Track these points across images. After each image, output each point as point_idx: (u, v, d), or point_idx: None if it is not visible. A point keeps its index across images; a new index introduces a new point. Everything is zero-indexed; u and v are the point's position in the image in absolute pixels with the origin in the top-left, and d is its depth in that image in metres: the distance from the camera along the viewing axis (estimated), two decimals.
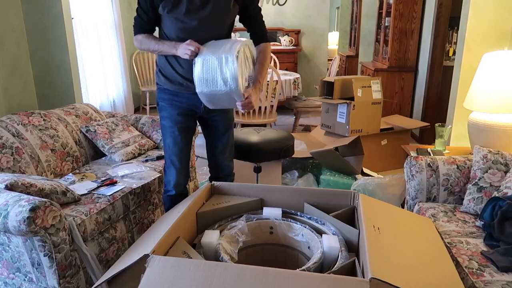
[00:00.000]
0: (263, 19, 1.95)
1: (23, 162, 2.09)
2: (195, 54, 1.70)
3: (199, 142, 2.18)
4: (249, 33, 1.97)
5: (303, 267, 1.23)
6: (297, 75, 4.72)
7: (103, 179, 2.20)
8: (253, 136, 2.42)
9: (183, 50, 1.72)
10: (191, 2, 1.73)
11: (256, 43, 1.94)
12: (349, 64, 7.44)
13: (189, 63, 1.77)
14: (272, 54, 5.38)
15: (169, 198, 2.00)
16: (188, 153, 2.00)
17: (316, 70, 6.34)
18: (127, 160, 2.51)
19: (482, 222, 1.70)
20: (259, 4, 1.99)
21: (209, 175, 2.17)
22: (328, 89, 3.39)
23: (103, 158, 2.56)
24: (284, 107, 5.10)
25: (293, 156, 2.60)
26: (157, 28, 1.89)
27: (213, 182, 1.74)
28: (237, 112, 3.91)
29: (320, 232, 1.47)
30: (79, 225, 1.74)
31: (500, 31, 2.62)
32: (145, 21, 1.81)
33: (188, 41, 1.72)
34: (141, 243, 1.35)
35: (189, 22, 1.76)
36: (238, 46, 1.68)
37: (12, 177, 1.74)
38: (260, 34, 1.95)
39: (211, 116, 1.99)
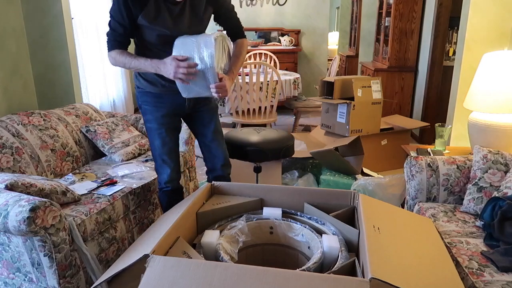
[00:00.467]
0: (238, 16, 1.98)
1: (23, 162, 2.09)
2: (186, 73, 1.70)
3: None
4: (225, 31, 1.99)
5: (303, 267, 1.23)
6: (297, 75, 4.72)
7: (103, 179, 2.20)
8: (253, 136, 2.42)
9: (172, 71, 1.69)
10: (170, 10, 1.75)
11: (233, 40, 1.98)
12: (349, 64, 7.44)
13: None
14: (272, 54, 5.38)
15: (166, 194, 2.02)
16: (177, 150, 2.02)
17: (316, 70, 6.34)
18: (127, 160, 2.51)
19: (482, 222, 1.70)
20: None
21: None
22: (328, 89, 3.39)
23: (103, 158, 2.56)
24: (284, 107, 5.10)
25: (293, 156, 2.60)
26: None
27: (213, 182, 1.74)
28: (236, 112, 3.91)
29: (320, 232, 1.47)
30: (79, 225, 1.74)
31: (500, 31, 2.62)
32: (120, 33, 1.75)
33: (171, 61, 1.68)
34: (141, 243, 1.35)
35: (171, 28, 1.77)
36: (217, 33, 1.74)
37: (12, 177, 1.74)
38: (235, 30, 1.99)
39: (196, 108, 2.01)
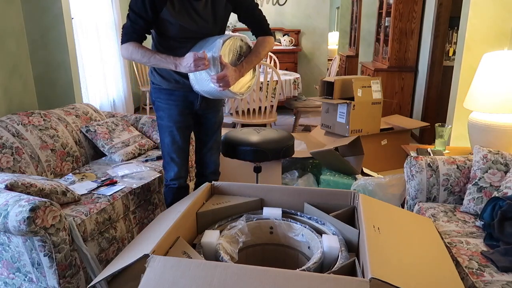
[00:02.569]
0: (262, 14, 1.95)
1: (23, 162, 2.09)
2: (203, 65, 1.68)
3: None
4: (250, 30, 1.99)
5: (303, 267, 1.23)
6: (297, 75, 4.72)
7: (103, 179, 2.20)
8: (253, 136, 2.41)
9: (189, 65, 1.67)
10: (193, 5, 1.76)
11: (256, 37, 1.97)
12: (349, 64, 7.44)
13: None
14: (272, 54, 5.38)
15: (171, 191, 2.03)
16: (187, 149, 2.03)
17: (316, 70, 6.34)
18: (127, 160, 2.51)
19: (482, 222, 1.70)
20: (259, 5, 2.00)
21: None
22: (328, 89, 3.39)
23: (103, 158, 2.56)
24: (284, 107, 5.10)
25: (293, 156, 2.60)
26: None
27: (213, 182, 1.75)
28: (236, 112, 3.91)
29: (320, 232, 1.47)
30: (79, 225, 1.74)
31: (500, 31, 2.62)
32: (140, 27, 1.73)
33: (191, 56, 1.66)
34: (140, 242, 1.35)
35: (193, 23, 1.78)
36: (233, 36, 1.76)
37: (12, 177, 1.74)
38: (257, 28, 1.95)
39: (206, 113, 2.02)
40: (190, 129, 2.04)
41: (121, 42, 1.79)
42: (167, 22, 1.76)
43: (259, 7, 1.95)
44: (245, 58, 1.84)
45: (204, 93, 1.84)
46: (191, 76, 1.81)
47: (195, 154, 2.18)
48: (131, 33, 1.75)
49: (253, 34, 1.97)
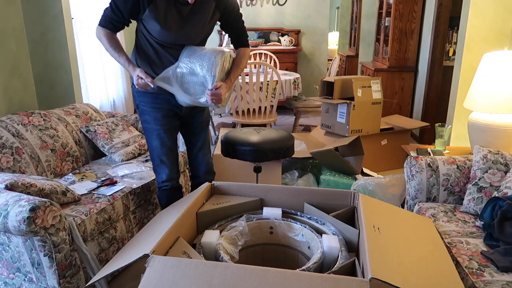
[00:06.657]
0: (244, 24, 2.01)
1: (23, 162, 2.09)
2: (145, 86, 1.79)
3: None
4: (229, 38, 2.05)
5: (303, 267, 1.23)
6: (297, 75, 4.72)
7: (103, 179, 2.20)
8: (253, 136, 2.41)
9: (136, 79, 1.78)
10: (179, 9, 1.76)
11: (235, 47, 2.03)
12: (349, 64, 7.44)
13: (170, 64, 1.83)
14: (272, 54, 5.38)
15: (165, 193, 2.03)
16: (176, 150, 2.05)
17: (316, 70, 6.34)
18: (127, 160, 2.51)
19: (482, 222, 1.70)
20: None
21: None
22: (328, 89, 3.39)
23: (103, 158, 2.56)
24: (284, 107, 5.10)
25: (293, 156, 2.60)
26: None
27: (213, 182, 1.75)
28: (236, 112, 3.91)
29: (320, 232, 1.47)
30: (79, 225, 1.74)
31: (500, 31, 2.62)
32: (117, 19, 1.78)
33: (139, 73, 1.76)
34: (139, 242, 1.35)
35: (176, 27, 1.79)
36: (223, 52, 1.83)
37: (12, 177, 1.74)
38: (239, 39, 2.02)
39: (191, 114, 2.04)
40: (177, 130, 2.05)
41: (99, 22, 1.82)
42: (149, 24, 1.76)
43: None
44: (231, 73, 1.92)
45: (184, 103, 1.90)
46: (178, 91, 1.84)
47: (187, 158, 2.20)
48: (108, 22, 1.80)
49: (231, 43, 2.05)
